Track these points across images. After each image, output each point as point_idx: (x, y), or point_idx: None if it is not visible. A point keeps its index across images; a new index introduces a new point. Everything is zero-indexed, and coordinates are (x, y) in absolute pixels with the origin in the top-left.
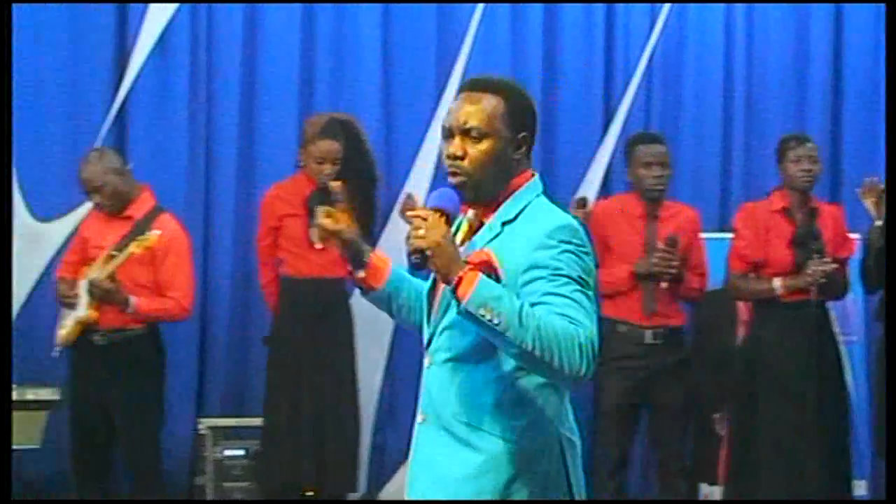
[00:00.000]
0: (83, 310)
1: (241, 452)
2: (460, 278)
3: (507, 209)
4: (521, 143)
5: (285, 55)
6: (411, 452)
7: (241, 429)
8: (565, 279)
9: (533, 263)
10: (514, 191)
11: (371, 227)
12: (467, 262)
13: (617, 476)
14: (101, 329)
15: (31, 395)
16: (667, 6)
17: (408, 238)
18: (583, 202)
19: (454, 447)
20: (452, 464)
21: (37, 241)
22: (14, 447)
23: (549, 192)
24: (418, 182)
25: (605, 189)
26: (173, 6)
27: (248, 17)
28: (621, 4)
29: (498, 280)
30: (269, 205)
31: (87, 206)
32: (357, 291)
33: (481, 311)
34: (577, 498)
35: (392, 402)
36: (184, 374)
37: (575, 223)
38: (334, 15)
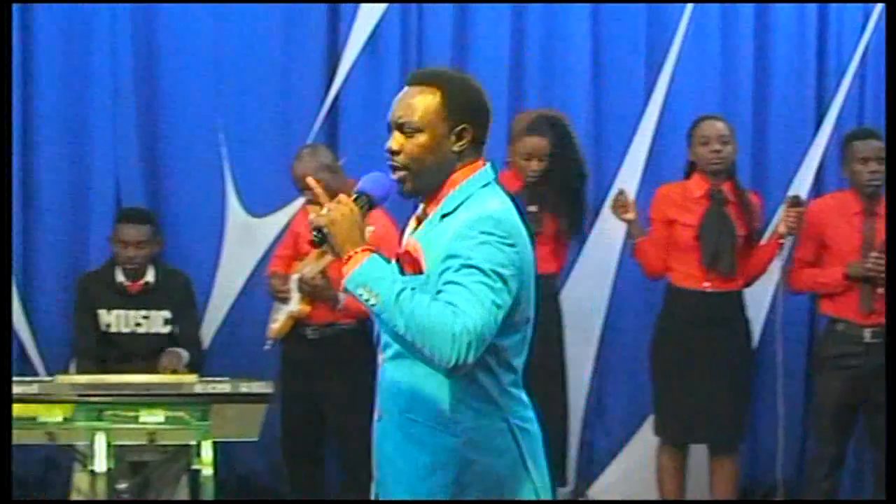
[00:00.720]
0: (295, 304)
1: None
2: (349, 257)
3: (447, 202)
4: (461, 136)
5: (494, 52)
6: (374, 448)
7: None
8: (472, 269)
9: (449, 253)
10: (456, 184)
11: (581, 225)
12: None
13: (832, 477)
14: (313, 323)
15: (244, 388)
16: (880, 5)
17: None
18: (797, 200)
19: (406, 444)
20: (407, 461)
21: (249, 237)
22: (233, 440)
23: (499, 180)
24: (628, 178)
25: (818, 186)
26: (384, 5)
27: (458, 14)
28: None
29: (420, 271)
30: None
31: (300, 201)
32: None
33: (359, 291)
34: (539, 486)
35: (601, 398)
36: None
37: (499, 214)
38: (543, 12)
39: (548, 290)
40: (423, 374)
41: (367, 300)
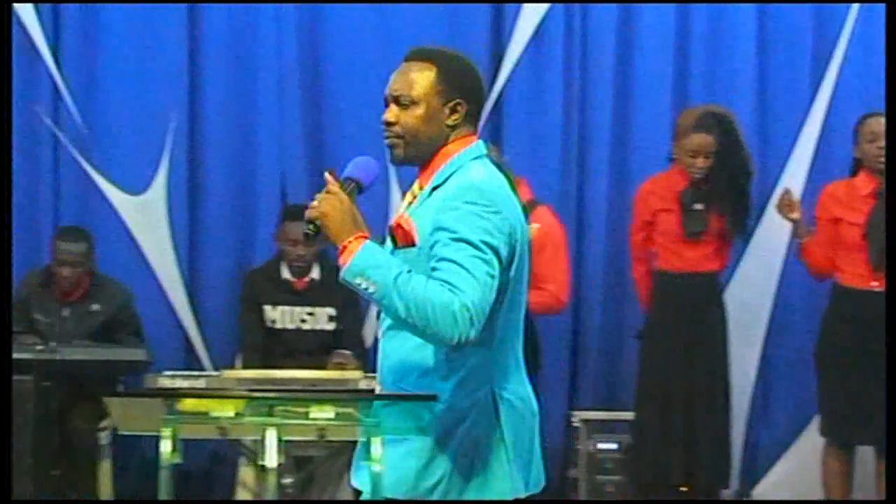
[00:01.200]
0: None
1: (614, 446)
2: (344, 247)
3: (439, 175)
4: (455, 109)
5: (660, 49)
6: None
7: (614, 422)
8: (462, 243)
9: (437, 225)
10: (448, 156)
11: (745, 224)
12: (361, 232)
13: None
14: None
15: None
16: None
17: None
18: None
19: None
20: None
21: None
22: (401, 436)
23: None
24: (793, 177)
25: None
26: (547, 4)
27: (622, 13)
28: None
29: (413, 243)
30: (643, 199)
31: None
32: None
33: (357, 280)
34: (511, 457)
35: (766, 398)
36: (556, 365)
37: (482, 183)
38: (708, 10)
39: (711, 288)
40: (414, 346)
41: (365, 289)
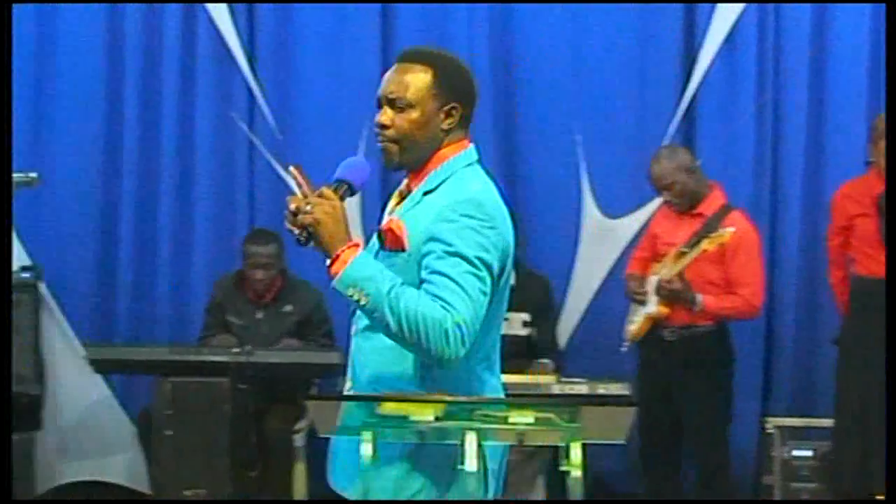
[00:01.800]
0: (653, 306)
1: (810, 453)
2: (337, 256)
3: (430, 179)
4: (450, 114)
5: (854, 52)
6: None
7: (809, 429)
8: (457, 258)
9: (432, 235)
10: (442, 161)
11: None
12: (376, 230)
13: None
14: (671, 325)
15: (601, 389)
16: None
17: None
18: None
19: None
20: None
21: (605, 238)
22: (600, 442)
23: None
24: None
25: None
26: (741, 5)
27: (817, 13)
28: None
29: (402, 248)
30: (840, 204)
31: (656, 202)
32: None
33: (349, 291)
34: (487, 465)
35: None
36: (750, 372)
37: (481, 196)
38: None
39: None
40: (390, 348)
41: (357, 300)
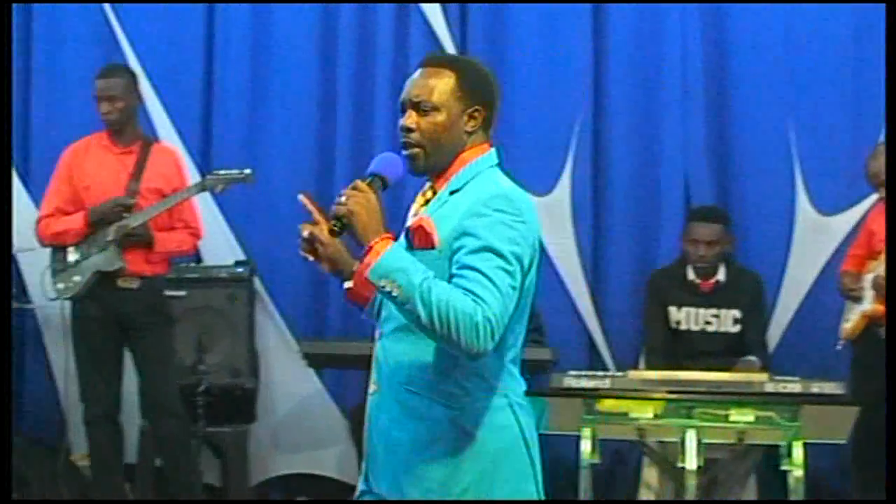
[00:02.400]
0: (868, 304)
1: None
2: (370, 247)
3: (456, 180)
4: (473, 117)
5: None
6: (366, 422)
7: None
8: (489, 253)
9: (464, 230)
10: (466, 163)
11: None
12: (404, 229)
13: None
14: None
15: (815, 388)
16: None
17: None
18: None
19: (403, 415)
20: (404, 434)
21: (819, 235)
22: (821, 441)
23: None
24: None
25: None
26: None
27: None
28: None
29: (432, 246)
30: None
31: (871, 199)
32: None
33: (382, 282)
34: (535, 462)
35: None
36: None
37: (511, 192)
38: None
39: None
40: (425, 347)
41: (388, 291)
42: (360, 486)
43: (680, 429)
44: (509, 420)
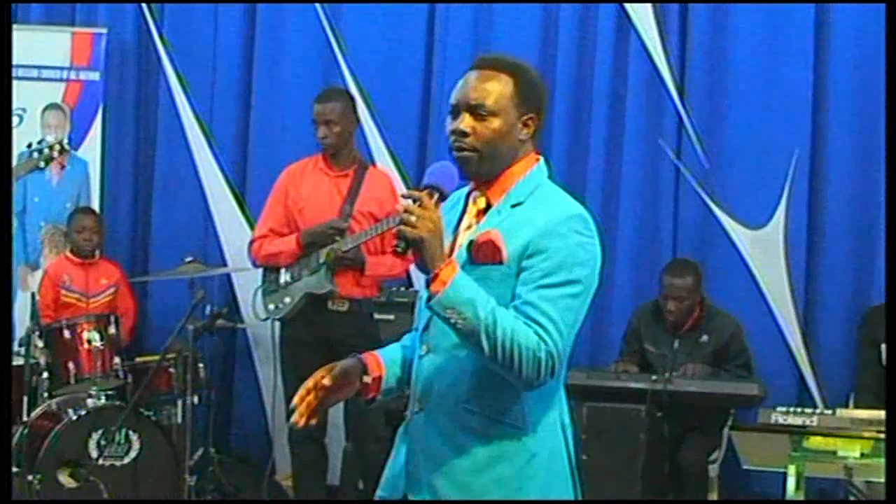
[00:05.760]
0: None
1: None
2: (436, 274)
3: (517, 191)
4: (527, 124)
5: None
6: (403, 443)
7: None
8: (557, 280)
9: (537, 249)
10: (518, 171)
11: None
12: (469, 248)
13: None
14: None
15: None
16: None
17: (398, 222)
18: None
19: (461, 437)
20: (460, 454)
21: None
22: None
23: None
24: None
25: None
26: None
27: None
28: None
29: (501, 261)
30: None
31: None
32: None
33: (447, 313)
34: (577, 483)
35: None
36: None
37: (585, 213)
38: None
39: None
40: (484, 365)
41: (454, 323)
42: (380, 493)
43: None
44: (560, 443)
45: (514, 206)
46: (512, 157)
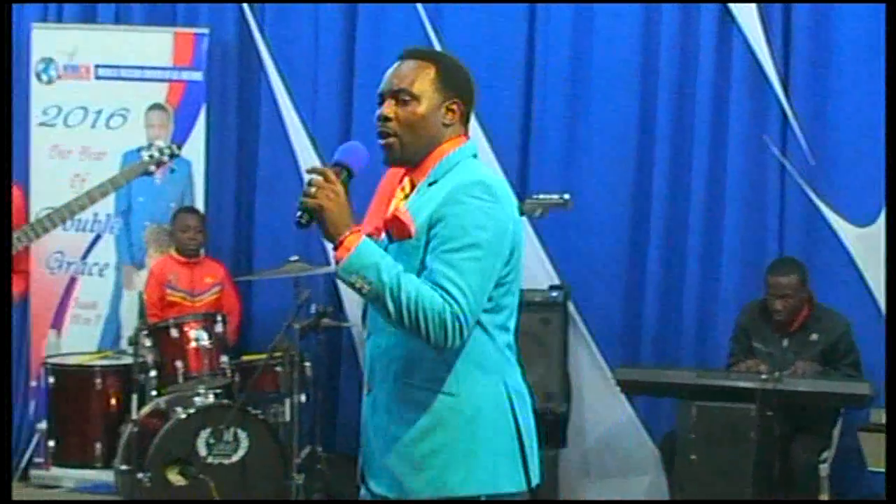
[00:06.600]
0: None
1: None
2: (341, 241)
3: (434, 172)
4: (451, 109)
5: None
6: (363, 427)
7: None
8: (461, 244)
9: (438, 218)
10: (444, 154)
11: None
12: (353, 225)
13: None
14: None
15: None
16: None
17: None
18: None
19: (402, 409)
20: (402, 426)
21: None
22: None
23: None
24: None
25: None
26: None
27: None
28: None
29: (410, 236)
30: None
31: None
32: None
33: (352, 278)
34: (528, 450)
35: None
36: None
37: (489, 180)
38: None
39: None
40: (415, 338)
41: (359, 288)
42: (361, 493)
43: None
44: (504, 408)
45: (430, 184)
46: (437, 141)
